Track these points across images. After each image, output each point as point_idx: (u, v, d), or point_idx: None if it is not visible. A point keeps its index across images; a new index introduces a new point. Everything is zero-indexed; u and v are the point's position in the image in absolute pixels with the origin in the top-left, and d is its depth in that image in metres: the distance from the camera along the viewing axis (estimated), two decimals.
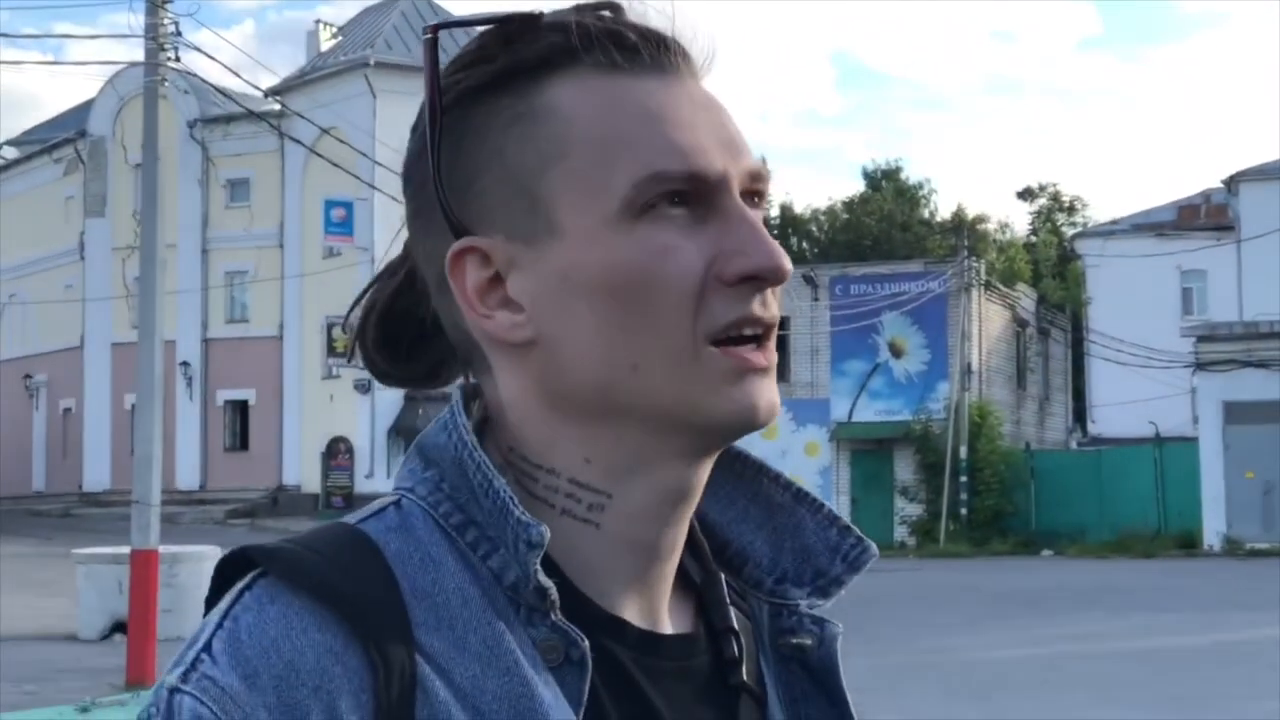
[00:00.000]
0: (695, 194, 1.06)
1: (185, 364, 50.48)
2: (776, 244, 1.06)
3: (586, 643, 1.05)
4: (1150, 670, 16.25)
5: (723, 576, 1.19)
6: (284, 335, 49.31)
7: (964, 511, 39.71)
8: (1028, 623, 21.40)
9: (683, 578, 1.16)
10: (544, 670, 1.04)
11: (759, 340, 1.07)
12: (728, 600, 1.17)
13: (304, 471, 47.41)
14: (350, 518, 1.09)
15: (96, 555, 21.07)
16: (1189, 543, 36.21)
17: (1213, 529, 35.81)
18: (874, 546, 1.20)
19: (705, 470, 1.12)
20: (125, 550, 19.69)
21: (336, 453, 45.22)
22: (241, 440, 51.22)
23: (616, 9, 1.10)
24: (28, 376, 57.44)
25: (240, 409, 51.20)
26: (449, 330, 1.13)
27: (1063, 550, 37.34)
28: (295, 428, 48.23)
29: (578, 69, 1.07)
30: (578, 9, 1.10)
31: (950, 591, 26.80)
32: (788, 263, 1.06)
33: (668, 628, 1.13)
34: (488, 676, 1.02)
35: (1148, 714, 13.88)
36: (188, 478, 50.39)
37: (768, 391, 1.08)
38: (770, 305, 1.08)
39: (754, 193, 1.09)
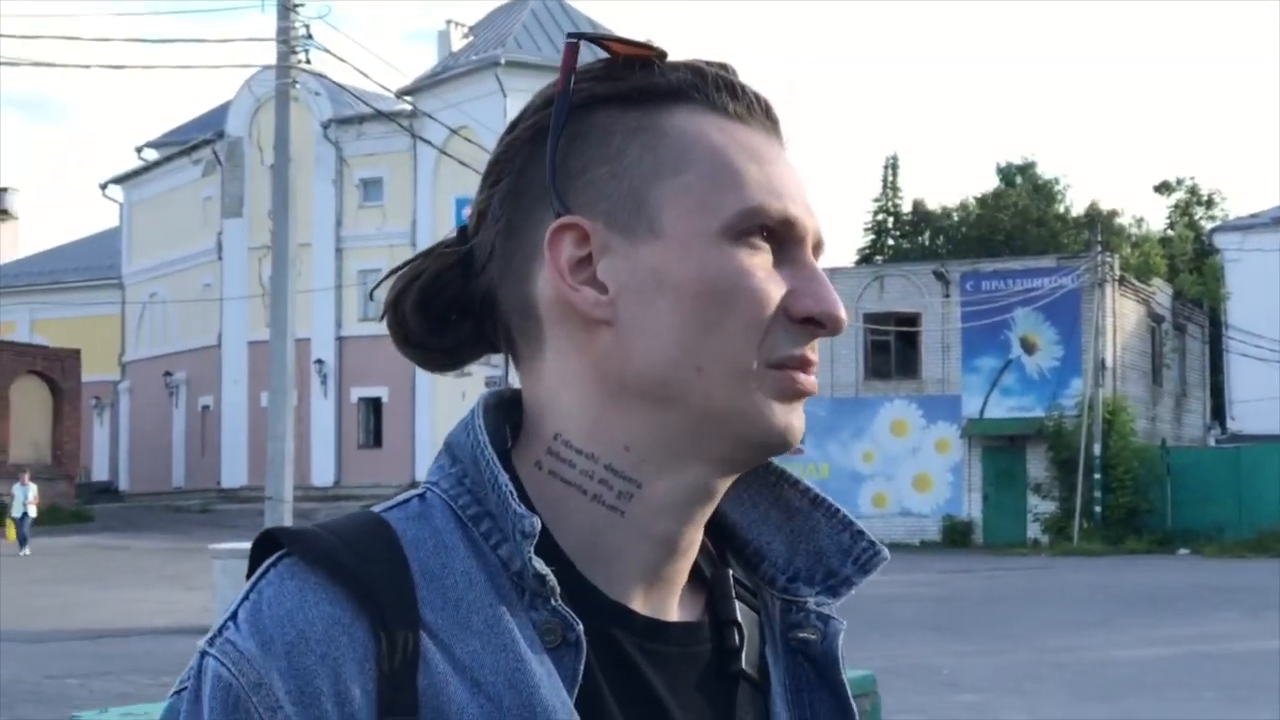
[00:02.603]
0: (782, 236, 1.18)
1: (320, 362, 51.10)
2: (839, 299, 1.19)
3: (581, 626, 1.13)
4: None
5: (730, 572, 1.27)
6: None
7: (1098, 509, 39.25)
8: (1161, 622, 21.13)
9: (695, 571, 1.25)
10: (541, 650, 1.13)
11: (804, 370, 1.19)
12: (733, 595, 1.26)
13: None
14: (377, 506, 1.20)
15: (233, 550, 21.33)
16: None
17: None
18: (885, 551, 1.29)
19: (729, 480, 1.22)
20: None
21: None
22: (375, 437, 51.77)
23: (731, 70, 1.23)
24: (167, 374, 58.41)
25: (374, 406, 51.75)
26: (509, 304, 1.22)
27: (1199, 549, 36.80)
28: (428, 424, 48.63)
29: (701, 106, 1.20)
30: (700, 60, 1.23)
31: (1082, 590, 26.51)
32: (845, 318, 1.19)
33: (674, 616, 1.22)
34: (487, 652, 1.11)
35: None
36: (322, 474, 51.02)
37: (801, 417, 1.19)
38: (816, 352, 1.19)
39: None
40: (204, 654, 1.10)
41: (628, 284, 1.16)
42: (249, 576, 1.14)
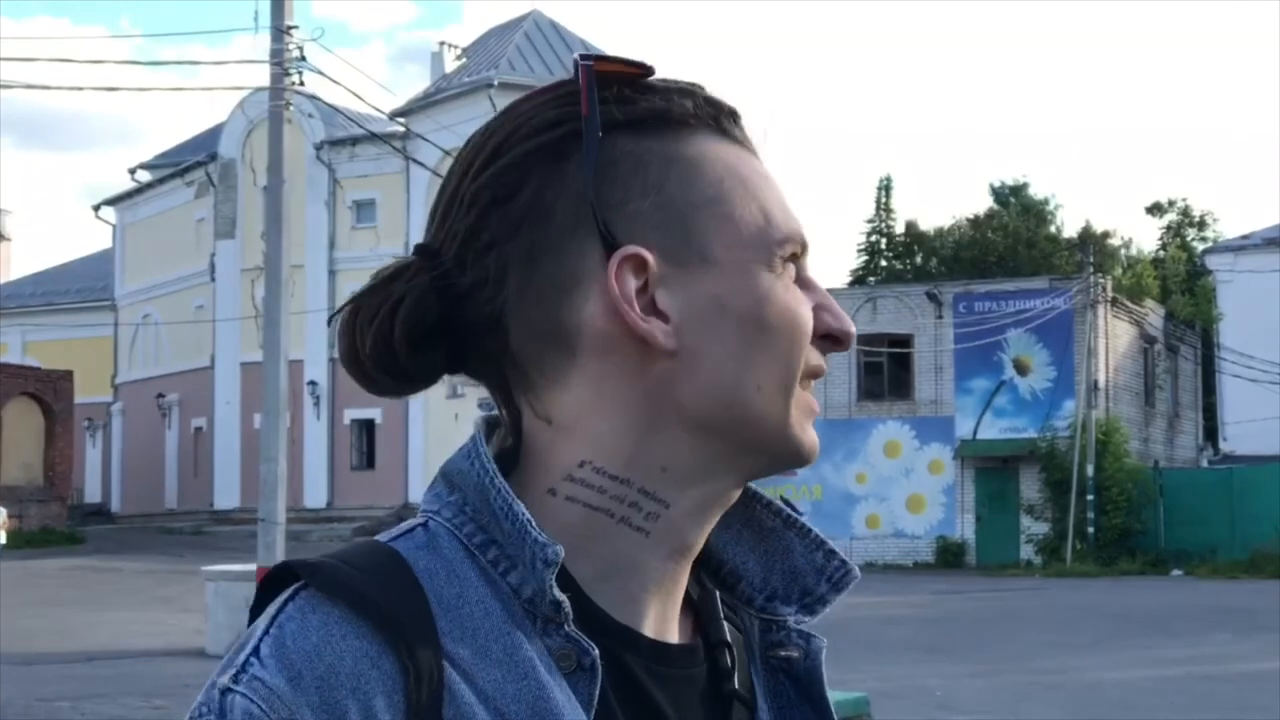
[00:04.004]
0: (800, 257, 1.22)
1: (313, 383, 51.05)
2: None
3: (597, 651, 1.14)
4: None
5: (717, 593, 1.29)
6: None
7: (1091, 530, 39.26)
8: (1154, 644, 21.12)
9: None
10: (559, 677, 1.13)
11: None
12: (722, 616, 1.27)
13: None
14: (382, 537, 1.19)
15: (225, 572, 21.37)
16: None
17: None
18: (856, 569, 1.31)
19: (742, 487, 1.25)
20: (253, 568, 20.00)
21: None
22: (368, 459, 51.72)
23: (705, 89, 1.24)
24: (160, 396, 58.35)
25: (367, 428, 51.72)
26: (527, 331, 1.19)
27: (1193, 570, 36.82)
28: (420, 447, 48.60)
29: (712, 133, 1.22)
30: (684, 83, 1.24)
31: (1075, 611, 26.50)
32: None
33: (674, 637, 1.23)
34: (508, 681, 1.11)
35: None
36: (315, 496, 50.96)
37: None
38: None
39: None
40: (228, 691, 1.07)
41: (689, 313, 1.17)
42: (255, 608, 1.14)
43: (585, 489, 1.18)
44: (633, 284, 1.17)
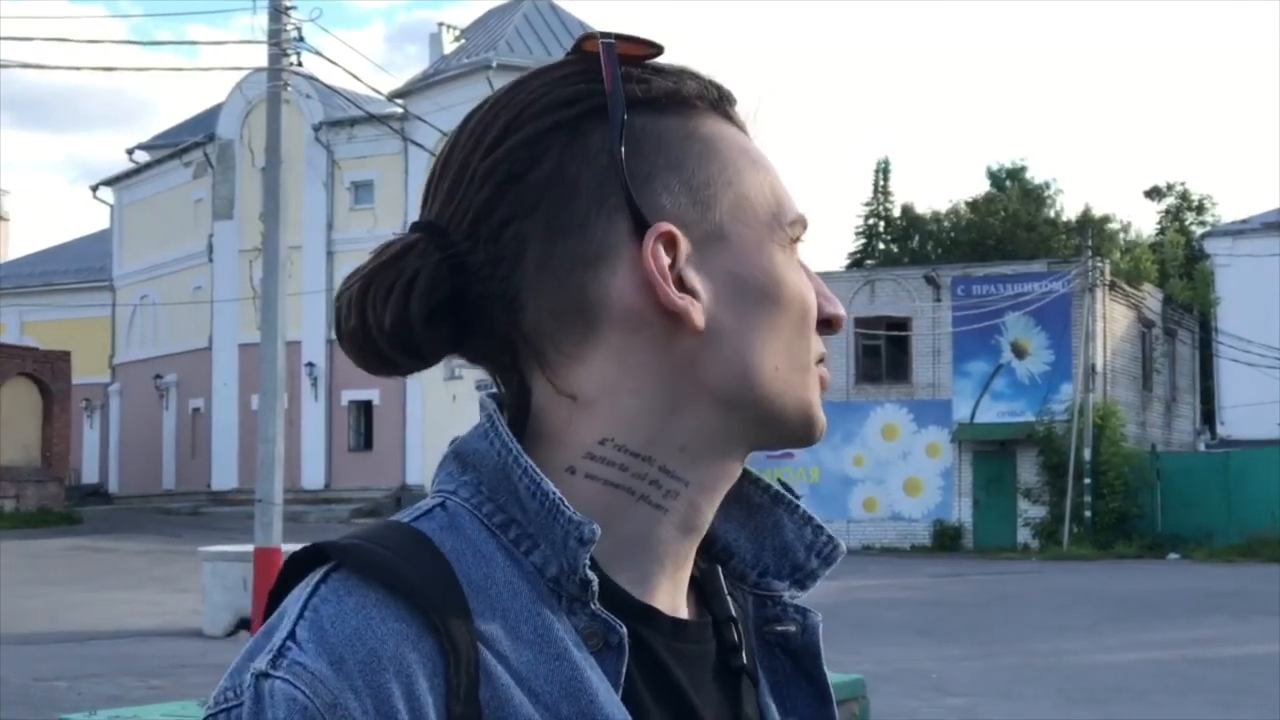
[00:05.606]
0: (800, 240, 1.24)
1: (310, 365, 51.01)
2: None
3: (624, 630, 1.14)
4: (1275, 677, 15.99)
5: (719, 569, 1.29)
6: None
7: (1088, 514, 39.29)
8: (1149, 627, 21.15)
9: None
10: (588, 655, 1.12)
11: None
12: (725, 591, 1.28)
13: (427, 471, 47.70)
14: (401, 517, 1.17)
15: (222, 553, 21.38)
16: None
17: None
18: (843, 545, 1.32)
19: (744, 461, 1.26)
20: (250, 548, 20.01)
21: None
22: (366, 440, 51.69)
23: (694, 72, 1.25)
24: (158, 377, 58.29)
25: (364, 409, 51.68)
26: (546, 307, 1.17)
27: (1189, 554, 36.87)
28: (418, 428, 48.59)
29: (718, 115, 1.24)
30: (688, 69, 1.24)
31: (1071, 594, 26.53)
32: None
33: (684, 614, 1.23)
34: (540, 661, 1.10)
35: None
36: (313, 477, 50.94)
37: None
38: None
39: None
40: (265, 676, 1.05)
41: (713, 291, 1.18)
42: (278, 591, 1.12)
43: (606, 467, 1.17)
44: (665, 260, 1.16)
